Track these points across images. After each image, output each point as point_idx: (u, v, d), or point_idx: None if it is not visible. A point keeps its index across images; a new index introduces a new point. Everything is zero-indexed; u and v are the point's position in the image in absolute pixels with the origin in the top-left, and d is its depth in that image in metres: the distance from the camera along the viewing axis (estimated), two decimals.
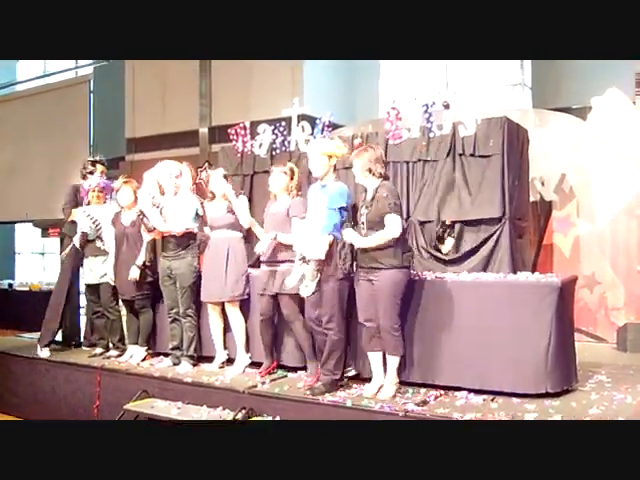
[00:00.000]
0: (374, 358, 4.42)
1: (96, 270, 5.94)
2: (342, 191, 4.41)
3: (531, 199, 6.30)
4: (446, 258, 5.22)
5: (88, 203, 6.10)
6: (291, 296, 4.71)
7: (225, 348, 5.34)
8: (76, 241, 6.04)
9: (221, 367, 5.26)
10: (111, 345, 6.00)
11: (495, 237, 5.07)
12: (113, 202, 6.21)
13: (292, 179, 4.92)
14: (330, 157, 4.48)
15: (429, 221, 5.33)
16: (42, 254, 13.92)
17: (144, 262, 5.55)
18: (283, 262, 4.79)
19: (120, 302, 5.94)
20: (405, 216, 5.13)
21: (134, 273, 5.51)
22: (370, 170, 4.29)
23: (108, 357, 5.82)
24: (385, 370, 4.39)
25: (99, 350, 6.02)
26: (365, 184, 4.37)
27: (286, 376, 4.92)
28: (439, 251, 5.28)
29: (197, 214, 5.31)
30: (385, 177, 4.37)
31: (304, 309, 4.68)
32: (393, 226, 4.14)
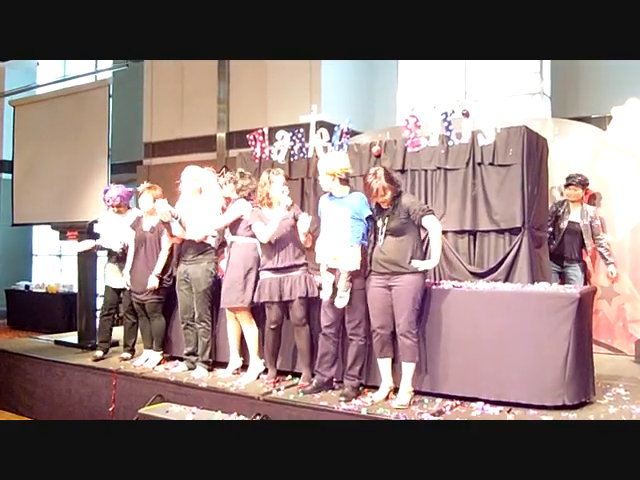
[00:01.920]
0: (384, 364, 4.46)
1: (126, 274, 5.91)
2: (365, 200, 4.49)
3: None
4: (471, 269, 5.18)
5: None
6: (302, 300, 4.75)
7: (241, 355, 5.32)
8: (116, 248, 6.06)
9: (235, 373, 5.24)
10: (124, 347, 6.02)
11: (515, 247, 5.03)
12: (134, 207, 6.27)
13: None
14: (333, 175, 4.50)
15: (447, 231, 5.28)
16: (59, 256, 14.01)
17: (162, 271, 5.55)
18: (289, 269, 4.78)
19: None
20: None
21: (153, 282, 5.53)
22: (390, 190, 4.31)
23: (124, 359, 5.86)
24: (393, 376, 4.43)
25: (99, 353, 6.00)
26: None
27: (297, 383, 4.88)
28: (461, 261, 5.25)
29: None
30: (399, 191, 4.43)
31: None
32: (435, 224, 4.30)
